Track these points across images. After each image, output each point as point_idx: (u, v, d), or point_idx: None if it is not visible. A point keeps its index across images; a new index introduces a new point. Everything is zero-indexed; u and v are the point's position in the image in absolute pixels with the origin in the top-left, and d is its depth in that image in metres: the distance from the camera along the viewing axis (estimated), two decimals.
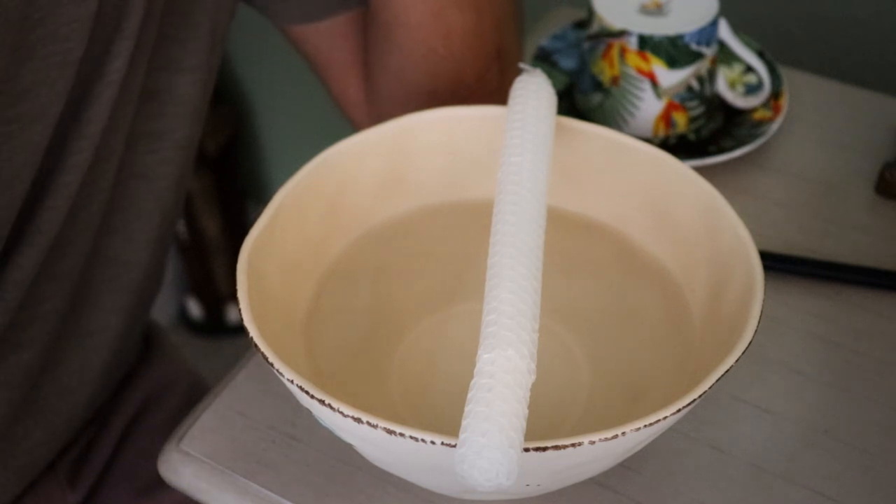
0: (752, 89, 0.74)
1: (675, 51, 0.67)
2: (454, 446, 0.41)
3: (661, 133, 0.71)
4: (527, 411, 0.41)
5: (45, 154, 0.54)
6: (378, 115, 0.67)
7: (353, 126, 0.71)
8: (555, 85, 0.71)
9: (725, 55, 0.74)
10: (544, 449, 0.41)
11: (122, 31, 0.54)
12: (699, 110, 0.71)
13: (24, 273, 0.57)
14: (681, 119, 0.71)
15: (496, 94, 0.65)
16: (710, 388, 0.44)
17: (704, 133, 0.72)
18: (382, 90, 0.66)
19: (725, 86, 0.72)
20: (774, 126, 0.71)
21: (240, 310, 0.47)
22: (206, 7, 0.60)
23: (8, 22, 0.48)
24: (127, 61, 0.55)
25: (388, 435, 0.42)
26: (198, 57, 0.61)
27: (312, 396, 0.43)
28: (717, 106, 0.73)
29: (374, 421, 0.42)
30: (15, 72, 0.50)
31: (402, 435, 0.42)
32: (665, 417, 0.43)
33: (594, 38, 0.70)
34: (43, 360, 0.62)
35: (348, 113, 0.71)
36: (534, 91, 0.55)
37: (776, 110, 0.72)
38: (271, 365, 0.45)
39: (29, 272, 0.57)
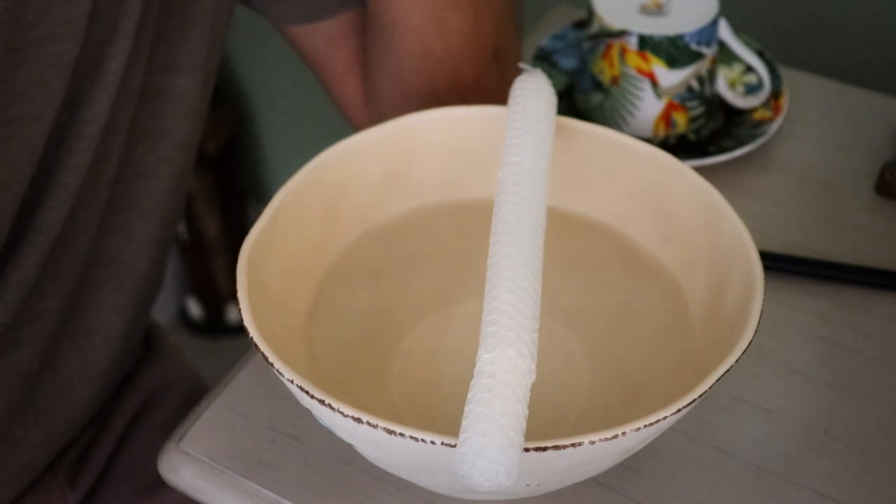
0: (752, 89, 0.74)
1: (675, 51, 0.67)
2: (454, 446, 0.41)
3: (661, 133, 0.71)
4: (527, 411, 0.41)
5: (43, 155, 0.54)
6: (377, 115, 0.67)
7: (353, 127, 0.71)
8: (555, 85, 0.71)
9: (725, 55, 0.74)
10: (544, 449, 0.41)
11: (119, 32, 0.54)
12: (699, 110, 0.71)
13: (25, 273, 0.57)
14: (681, 119, 0.71)
15: (495, 94, 0.65)
16: (710, 388, 0.44)
17: (704, 133, 0.72)
18: (381, 91, 0.66)
19: (725, 86, 0.72)
20: (774, 126, 0.71)
21: (240, 310, 0.47)
22: (205, 8, 0.60)
23: (0, 23, 0.48)
24: (124, 62, 0.55)
25: (388, 435, 0.42)
26: (196, 57, 0.61)
27: (312, 396, 0.43)
28: (717, 106, 0.73)
29: (374, 421, 0.42)
30: (10, 73, 0.50)
31: (402, 435, 0.42)
32: (665, 417, 0.43)
33: (594, 38, 0.70)
34: (42, 359, 0.62)
35: (348, 114, 0.71)
36: (534, 91, 0.56)
37: (776, 110, 0.72)
38: (271, 365, 0.45)
39: (31, 272, 0.57)
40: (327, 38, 0.67)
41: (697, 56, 0.68)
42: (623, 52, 0.68)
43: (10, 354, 0.60)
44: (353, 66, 0.68)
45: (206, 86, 0.64)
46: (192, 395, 0.76)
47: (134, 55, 0.56)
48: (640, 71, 0.68)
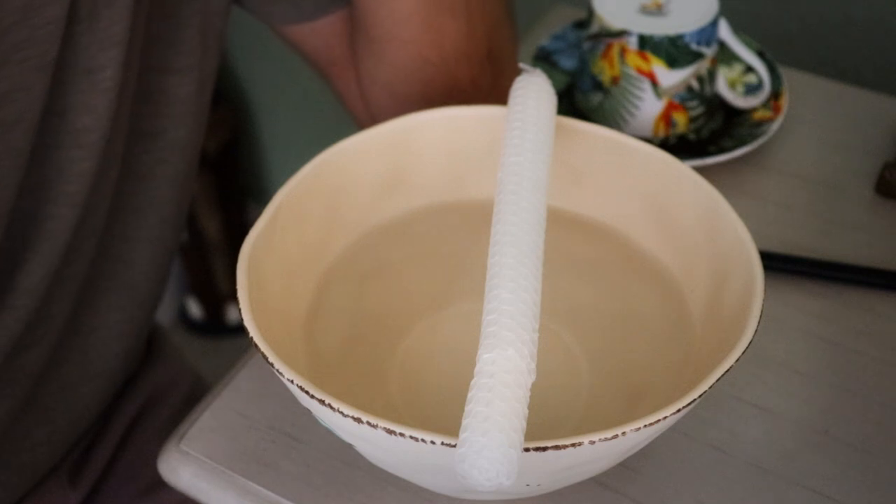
0: (752, 89, 0.74)
1: (675, 51, 0.67)
2: (454, 446, 0.41)
3: (661, 133, 0.71)
4: (527, 411, 0.41)
5: (41, 163, 0.54)
6: (373, 121, 0.67)
7: (358, 121, 0.70)
8: (555, 85, 0.71)
9: (725, 55, 0.74)
10: (544, 449, 0.41)
11: (111, 38, 0.54)
12: (699, 110, 0.71)
13: (34, 279, 0.57)
14: (681, 119, 0.71)
15: (489, 96, 0.65)
16: (710, 388, 0.44)
17: (704, 133, 0.72)
18: (373, 102, 0.66)
19: (725, 86, 0.72)
20: (774, 126, 0.71)
21: (240, 310, 0.47)
22: (195, 10, 0.60)
23: None
24: (119, 68, 0.55)
25: (388, 435, 0.42)
26: (189, 57, 0.61)
27: (312, 396, 0.43)
28: (717, 106, 0.73)
29: (374, 421, 0.42)
30: None
31: (401, 435, 0.42)
32: (665, 417, 0.43)
33: (594, 38, 0.70)
34: (46, 359, 0.62)
35: (353, 110, 0.71)
36: (534, 91, 0.56)
37: (776, 110, 0.72)
38: (271, 365, 0.45)
39: (40, 279, 0.57)
40: (326, 34, 0.67)
41: (697, 56, 0.68)
42: (623, 52, 0.68)
43: (18, 357, 0.60)
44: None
45: (203, 87, 0.64)
46: (193, 395, 0.76)
47: (128, 59, 0.56)
48: (640, 71, 0.68)
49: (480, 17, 0.62)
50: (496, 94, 0.64)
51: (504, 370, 0.41)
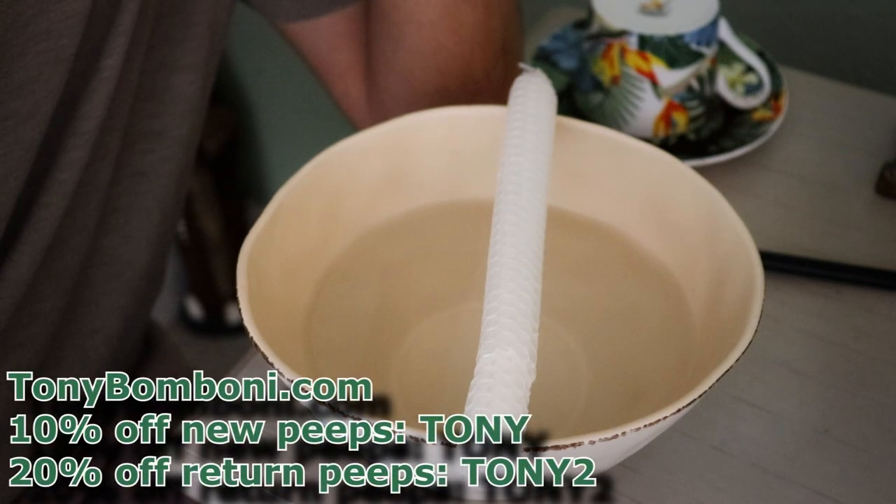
0: (752, 89, 0.74)
1: (675, 51, 0.67)
2: (454, 446, 0.41)
3: (661, 133, 0.71)
4: (527, 411, 0.41)
5: (40, 151, 0.54)
6: (381, 115, 0.67)
7: (355, 127, 0.71)
8: (555, 85, 0.71)
9: (725, 55, 0.74)
10: (544, 449, 0.41)
11: (117, 28, 0.54)
12: (699, 110, 0.71)
13: (20, 271, 0.57)
14: (681, 119, 0.71)
15: (502, 90, 0.65)
16: (710, 388, 0.44)
17: (704, 133, 0.72)
18: (387, 91, 0.66)
19: (725, 86, 0.72)
20: (774, 126, 0.71)
21: (240, 310, 0.47)
22: (204, 6, 0.60)
23: None
24: (122, 58, 0.55)
25: None
26: (196, 56, 0.61)
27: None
28: (717, 106, 0.73)
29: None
30: (7, 69, 0.50)
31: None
32: (665, 417, 0.43)
33: (594, 38, 0.70)
34: (41, 359, 0.62)
35: (350, 114, 0.71)
36: (534, 91, 0.56)
37: (776, 110, 0.72)
38: (271, 365, 0.45)
39: (26, 270, 0.57)
40: (328, 35, 0.67)
41: (697, 56, 0.68)
42: (623, 52, 0.68)
43: (10, 355, 0.60)
44: (355, 65, 0.68)
45: (206, 85, 0.64)
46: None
47: (132, 52, 0.56)
48: (640, 71, 0.68)
49: (497, 8, 0.63)
50: (508, 88, 0.64)
51: (504, 370, 0.41)
